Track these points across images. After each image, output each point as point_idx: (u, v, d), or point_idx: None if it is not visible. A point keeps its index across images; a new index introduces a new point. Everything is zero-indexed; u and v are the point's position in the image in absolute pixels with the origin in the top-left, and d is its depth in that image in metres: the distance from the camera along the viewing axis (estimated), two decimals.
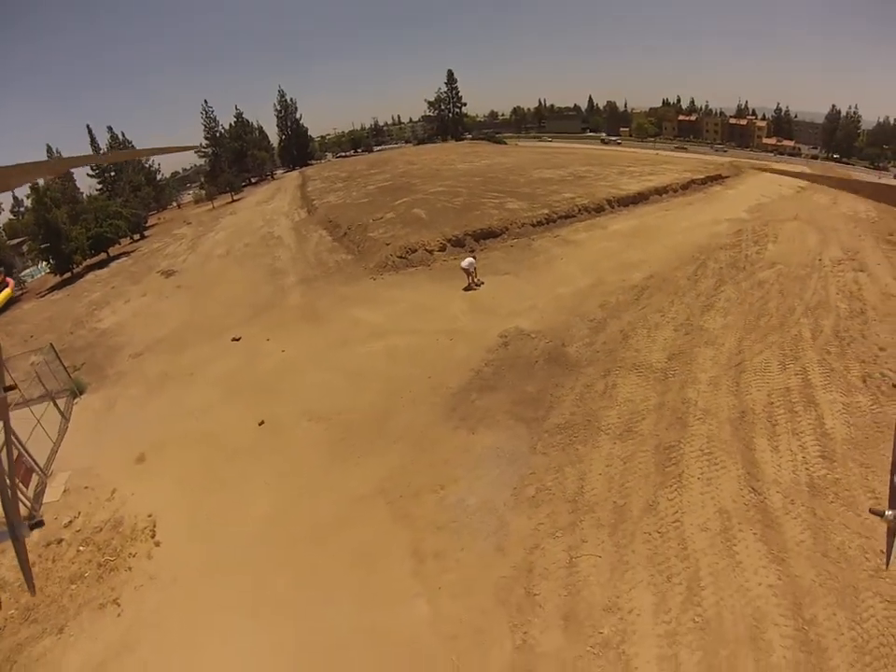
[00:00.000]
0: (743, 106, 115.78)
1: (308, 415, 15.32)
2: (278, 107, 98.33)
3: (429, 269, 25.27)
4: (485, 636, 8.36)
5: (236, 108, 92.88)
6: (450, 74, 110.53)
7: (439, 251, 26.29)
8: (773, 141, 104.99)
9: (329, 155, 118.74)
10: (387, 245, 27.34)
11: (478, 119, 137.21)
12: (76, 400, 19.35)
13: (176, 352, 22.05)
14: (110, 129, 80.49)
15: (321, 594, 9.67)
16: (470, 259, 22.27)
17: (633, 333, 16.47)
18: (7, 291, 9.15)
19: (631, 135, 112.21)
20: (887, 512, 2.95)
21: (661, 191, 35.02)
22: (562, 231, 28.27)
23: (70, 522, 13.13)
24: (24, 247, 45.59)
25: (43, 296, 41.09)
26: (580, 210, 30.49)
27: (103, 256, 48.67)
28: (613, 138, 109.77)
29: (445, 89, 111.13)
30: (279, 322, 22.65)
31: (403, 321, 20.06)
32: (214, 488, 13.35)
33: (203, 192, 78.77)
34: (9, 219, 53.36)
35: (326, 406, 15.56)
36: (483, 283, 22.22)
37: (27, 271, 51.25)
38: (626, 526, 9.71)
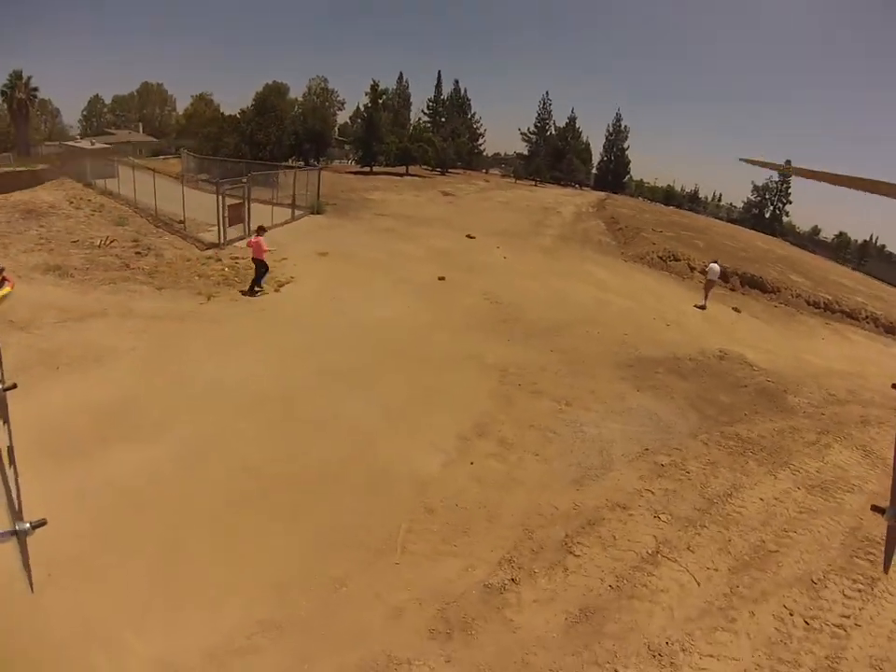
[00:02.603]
0: None
1: (487, 295, 14.35)
2: (610, 130, 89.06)
3: (682, 280, 21.77)
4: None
5: (572, 111, 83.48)
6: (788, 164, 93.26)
7: (700, 272, 22.51)
8: None
9: (641, 198, 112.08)
10: (653, 244, 24.33)
11: (797, 230, 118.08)
12: (310, 215, 22.19)
13: (413, 225, 23.00)
14: (456, 82, 76.51)
15: (344, 394, 8.56)
16: (716, 266, 18.16)
17: (878, 425, 11.69)
18: (6, 289, 10.03)
19: None
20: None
21: None
22: (836, 324, 22.18)
23: (238, 258, 14.91)
24: (346, 146, 53.43)
25: (340, 173, 45.89)
26: (867, 317, 23.53)
27: (402, 169, 49.83)
28: None
29: (778, 179, 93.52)
30: (518, 245, 21.79)
31: (630, 291, 17.61)
32: (354, 291, 13.61)
33: (512, 170, 75.17)
34: (345, 122, 60.10)
35: (509, 298, 14.40)
36: (738, 311, 18.40)
37: (338, 160, 58.15)
38: (762, 579, 6.05)
